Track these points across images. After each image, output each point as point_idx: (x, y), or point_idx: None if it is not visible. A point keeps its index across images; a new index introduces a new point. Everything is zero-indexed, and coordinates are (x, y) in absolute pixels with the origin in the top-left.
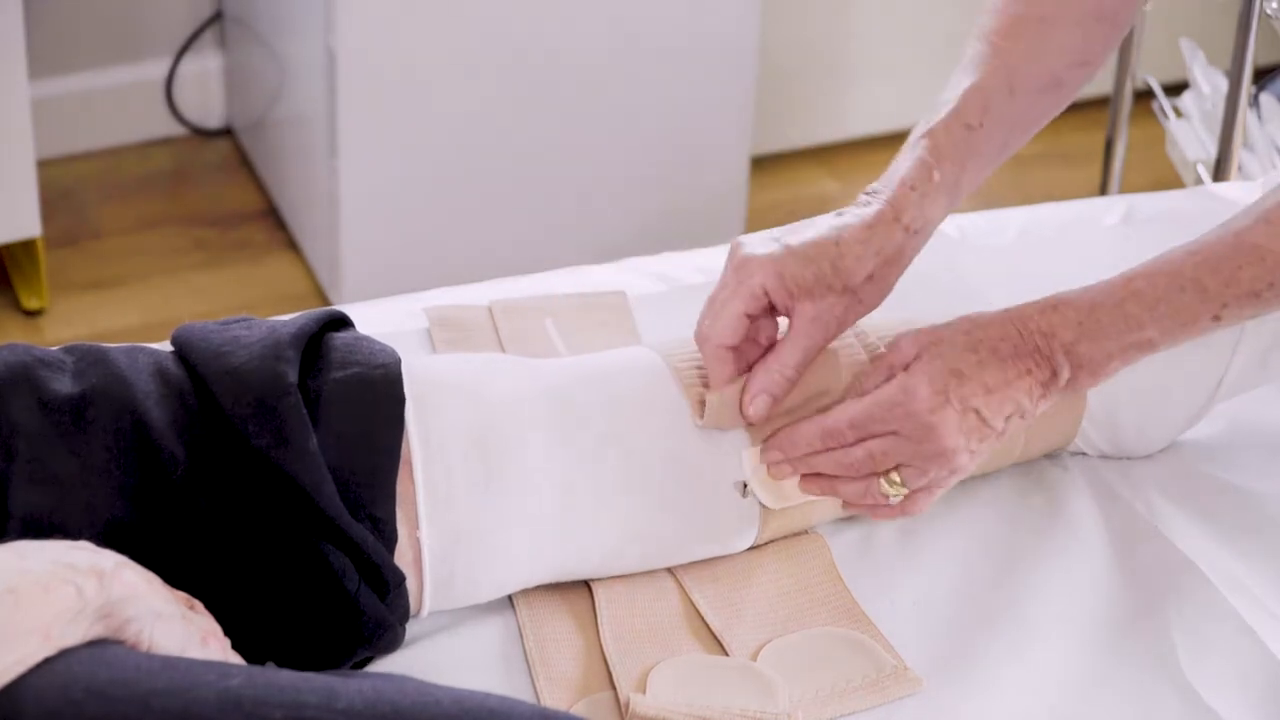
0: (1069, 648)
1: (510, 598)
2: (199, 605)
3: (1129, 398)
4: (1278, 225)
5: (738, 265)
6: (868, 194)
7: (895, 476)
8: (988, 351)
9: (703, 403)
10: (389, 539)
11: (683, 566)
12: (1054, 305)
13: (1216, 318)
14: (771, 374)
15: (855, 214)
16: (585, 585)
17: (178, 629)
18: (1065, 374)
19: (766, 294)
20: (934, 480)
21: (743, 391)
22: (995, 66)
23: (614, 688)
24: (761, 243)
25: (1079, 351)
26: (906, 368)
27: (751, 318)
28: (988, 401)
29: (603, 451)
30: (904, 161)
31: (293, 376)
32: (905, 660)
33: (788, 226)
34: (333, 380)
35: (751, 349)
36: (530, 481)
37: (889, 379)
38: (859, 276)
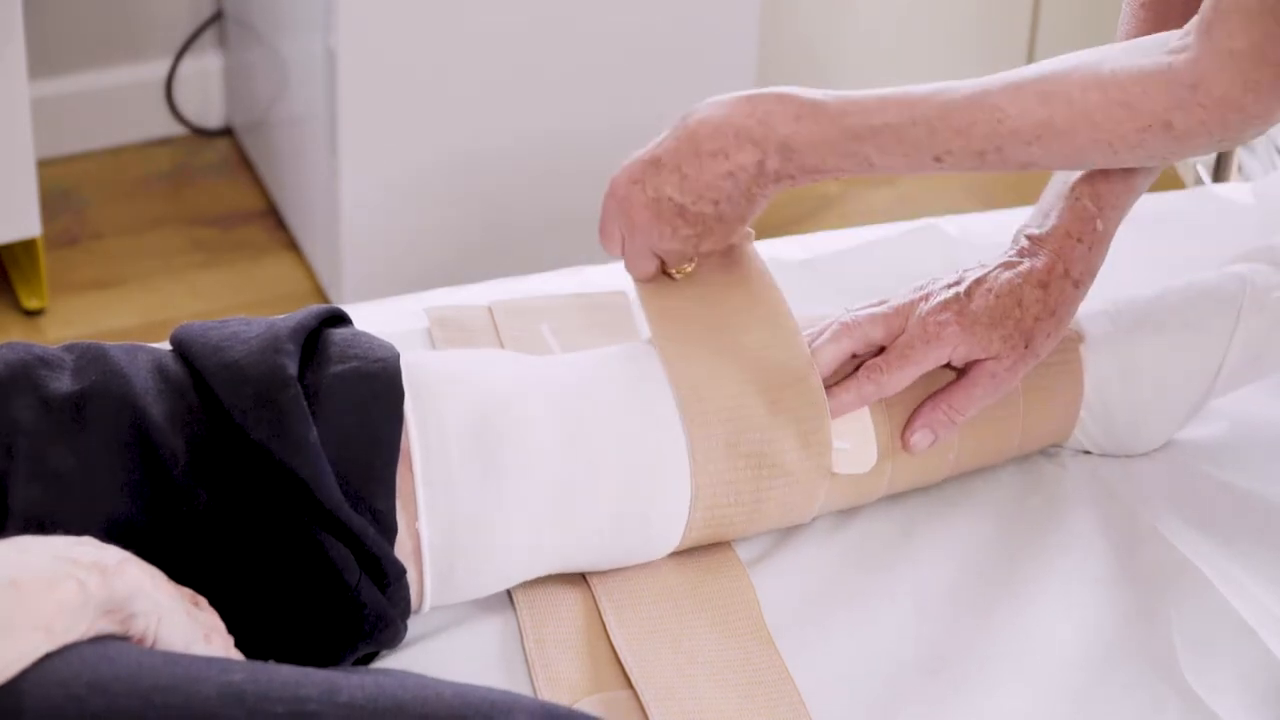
0: (1069, 648)
1: (511, 597)
2: (203, 601)
3: (1124, 386)
4: (1024, 93)
5: (930, 335)
6: (1031, 239)
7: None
8: (689, 142)
9: None
10: (389, 531)
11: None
12: (779, 96)
13: (938, 160)
14: (939, 412)
15: (1028, 268)
16: (586, 586)
17: (182, 624)
18: (774, 163)
19: (952, 357)
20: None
21: (907, 421)
22: None
23: (630, 688)
24: (946, 303)
25: (793, 145)
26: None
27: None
28: (683, 188)
29: (599, 441)
30: (1061, 207)
31: (292, 369)
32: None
33: (960, 276)
34: (331, 374)
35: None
36: (528, 472)
37: None
38: (1039, 336)
